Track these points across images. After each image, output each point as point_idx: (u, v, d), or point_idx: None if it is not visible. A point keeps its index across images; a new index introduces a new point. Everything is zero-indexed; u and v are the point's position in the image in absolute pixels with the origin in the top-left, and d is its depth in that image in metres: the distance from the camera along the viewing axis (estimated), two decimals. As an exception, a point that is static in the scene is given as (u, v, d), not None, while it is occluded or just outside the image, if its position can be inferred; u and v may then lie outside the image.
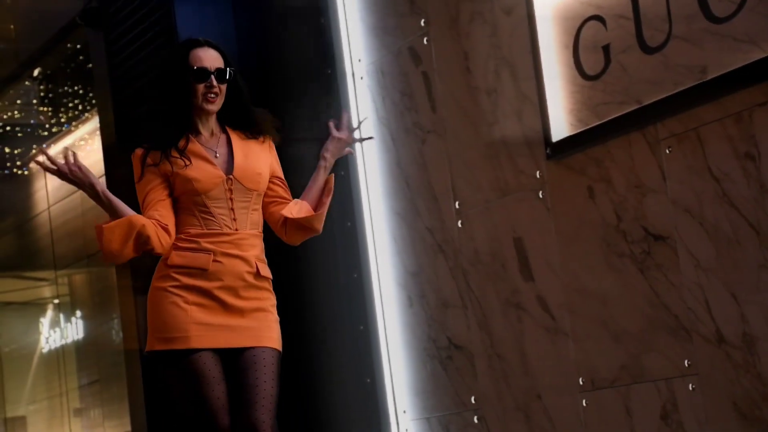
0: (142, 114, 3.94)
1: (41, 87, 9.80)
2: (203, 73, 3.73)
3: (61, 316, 10.90)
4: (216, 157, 3.78)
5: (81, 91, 9.32)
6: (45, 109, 10.03)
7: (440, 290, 5.36)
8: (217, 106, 3.77)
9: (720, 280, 4.16)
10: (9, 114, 10.49)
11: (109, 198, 3.70)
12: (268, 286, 3.81)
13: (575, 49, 4.63)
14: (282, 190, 3.89)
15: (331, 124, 3.94)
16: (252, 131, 3.87)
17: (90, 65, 8.40)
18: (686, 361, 4.28)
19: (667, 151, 4.31)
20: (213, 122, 3.83)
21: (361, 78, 5.76)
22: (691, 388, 4.27)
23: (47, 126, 10.14)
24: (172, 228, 3.73)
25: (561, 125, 4.70)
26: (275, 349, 3.73)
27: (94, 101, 8.83)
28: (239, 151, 3.81)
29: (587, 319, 4.67)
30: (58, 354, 10.96)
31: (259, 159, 3.84)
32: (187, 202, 3.73)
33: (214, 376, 3.64)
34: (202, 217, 3.72)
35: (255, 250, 3.77)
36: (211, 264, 3.68)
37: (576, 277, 4.70)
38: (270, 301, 3.80)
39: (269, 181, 3.86)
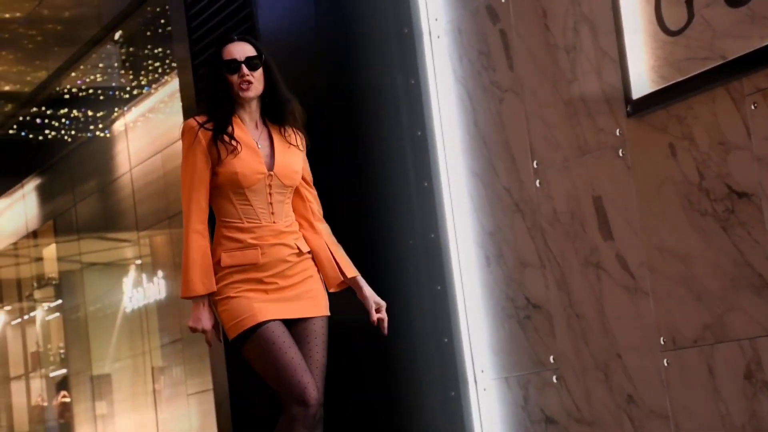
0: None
1: (122, 50, 9.88)
2: (234, 64, 3.98)
3: (143, 276, 11.00)
4: (260, 148, 4.02)
5: (161, 54, 9.36)
6: (126, 72, 10.10)
7: (518, 250, 5.32)
8: (253, 93, 4.00)
9: None
10: (92, 77, 10.60)
11: (206, 292, 3.98)
12: (309, 256, 4.09)
13: (657, 4, 4.56)
14: (308, 193, 4.19)
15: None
16: (287, 125, 4.10)
17: (170, 28, 8.42)
18: None
19: (753, 107, 4.22)
20: (256, 114, 4.08)
21: (438, 37, 5.73)
22: None
23: (128, 89, 10.22)
24: (206, 225, 3.99)
25: (642, 82, 4.65)
26: (325, 316, 4.06)
27: (173, 64, 8.85)
28: (279, 148, 4.05)
29: (668, 278, 4.62)
30: (141, 313, 11.07)
31: (296, 156, 4.09)
32: (227, 192, 3.97)
33: (284, 341, 3.89)
34: (241, 207, 3.98)
35: (293, 234, 4.05)
36: (260, 257, 3.95)
37: (657, 235, 4.65)
38: (313, 268, 4.10)
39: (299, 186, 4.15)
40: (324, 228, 4.18)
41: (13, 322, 15.17)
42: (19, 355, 14.95)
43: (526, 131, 5.23)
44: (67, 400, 13.02)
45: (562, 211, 5.09)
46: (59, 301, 13.42)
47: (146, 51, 9.72)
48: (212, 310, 4.01)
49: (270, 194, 4.00)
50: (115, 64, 10.36)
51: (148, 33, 9.43)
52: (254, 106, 4.06)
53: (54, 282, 13.62)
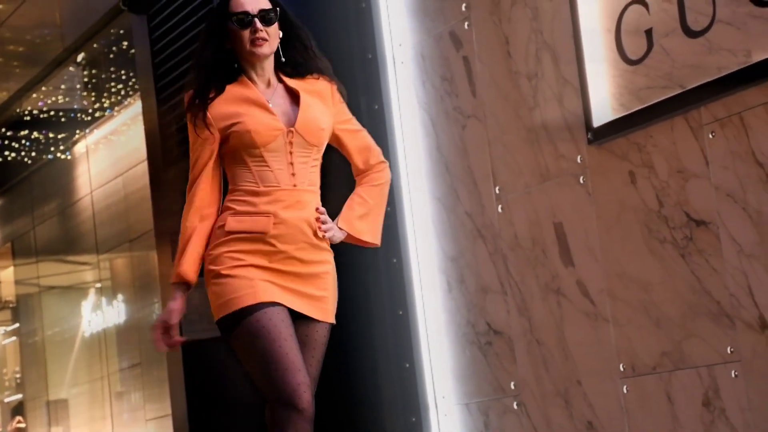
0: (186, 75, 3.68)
1: (85, 72, 9.85)
2: (246, 17, 3.47)
3: (103, 300, 10.95)
4: (273, 107, 3.50)
5: (124, 77, 9.35)
6: (88, 94, 10.08)
7: (480, 275, 5.35)
8: (268, 50, 3.50)
9: (763, 266, 4.12)
10: (53, 99, 10.55)
11: (179, 284, 3.53)
12: (327, 245, 3.55)
13: (617, 33, 4.61)
14: (354, 141, 3.66)
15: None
16: (311, 78, 3.60)
17: (133, 50, 8.42)
18: (729, 348, 4.25)
19: (710, 136, 4.27)
20: (269, 71, 3.56)
21: (402, 63, 5.76)
22: (733, 375, 4.24)
23: (90, 111, 10.20)
24: (213, 209, 3.49)
25: (603, 110, 4.68)
26: (330, 323, 3.55)
27: (136, 86, 8.85)
28: (302, 103, 3.51)
29: (628, 305, 4.65)
30: (100, 338, 11.01)
31: (323, 113, 3.56)
32: (242, 155, 3.45)
33: (282, 331, 3.33)
34: (257, 171, 3.44)
35: (312, 207, 3.50)
36: (272, 227, 3.40)
37: (617, 262, 4.68)
38: (330, 262, 3.55)
39: (337, 130, 3.62)
40: (370, 175, 3.63)
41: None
42: (-25, 380, 14.83)
43: (489, 157, 5.27)
44: (22, 425, 12.91)
45: (523, 237, 5.12)
46: (16, 325, 13.32)
47: (109, 73, 9.70)
48: (183, 305, 3.51)
49: (291, 153, 3.44)
50: (78, 86, 10.31)
51: (111, 55, 9.42)
52: (267, 63, 3.54)
53: (11, 305, 13.51)
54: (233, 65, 3.53)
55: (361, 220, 3.57)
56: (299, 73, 3.58)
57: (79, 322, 11.53)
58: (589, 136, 4.73)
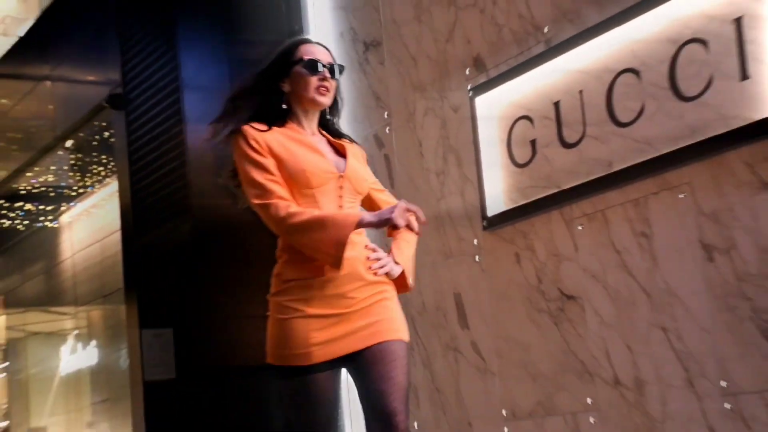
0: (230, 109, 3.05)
1: (71, 156, 9.76)
2: (315, 65, 2.97)
3: (79, 344, 10.82)
4: (324, 153, 2.98)
5: (104, 160, 9.29)
6: (74, 174, 9.98)
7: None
8: (328, 101, 3.00)
9: (618, 334, 4.17)
10: (44, 177, 10.46)
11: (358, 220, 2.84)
12: (383, 278, 2.96)
13: (509, 142, 4.65)
14: (383, 196, 3.17)
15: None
16: (345, 140, 3.12)
17: (113, 139, 8.39)
18: (589, 399, 4.28)
19: (580, 228, 4.32)
20: (315, 122, 3.05)
21: (335, 158, 5.74)
22: (592, 421, 4.26)
23: (75, 188, 10.10)
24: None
25: (495, 203, 4.71)
26: (402, 340, 2.89)
27: (114, 169, 8.81)
28: (348, 155, 3.04)
29: (511, 362, 4.66)
30: (76, 376, 10.86)
31: (363, 165, 3.11)
32: (295, 196, 2.88)
33: (325, 398, 2.86)
34: None
35: (362, 248, 2.94)
36: (327, 271, 2.83)
37: (504, 327, 4.69)
38: (389, 291, 2.96)
39: (370, 190, 3.11)
40: (399, 233, 3.04)
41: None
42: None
43: (403, 238, 5.25)
44: (7, 447, 12.65)
45: (429, 304, 5.12)
46: (6, 363, 13.07)
47: (91, 157, 9.62)
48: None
49: (341, 197, 2.92)
50: (65, 167, 10.19)
51: (94, 143, 9.34)
52: (314, 114, 3.04)
53: (2, 347, 13.25)
54: (282, 107, 3.01)
55: (409, 260, 3.04)
56: (335, 134, 3.11)
57: (58, 362, 11.35)
58: (484, 224, 4.76)
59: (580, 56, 4.28)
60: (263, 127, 2.92)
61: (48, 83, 9.66)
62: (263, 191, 2.84)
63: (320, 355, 2.80)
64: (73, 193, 10.23)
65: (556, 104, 4.39)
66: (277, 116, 2.97)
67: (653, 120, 3.99)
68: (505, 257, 4.68)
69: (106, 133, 8.73)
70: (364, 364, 2.85)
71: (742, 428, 3.70)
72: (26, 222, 11.41)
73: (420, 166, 5.20)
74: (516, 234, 4.62)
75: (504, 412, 4.68)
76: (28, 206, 11.25)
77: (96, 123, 8.76)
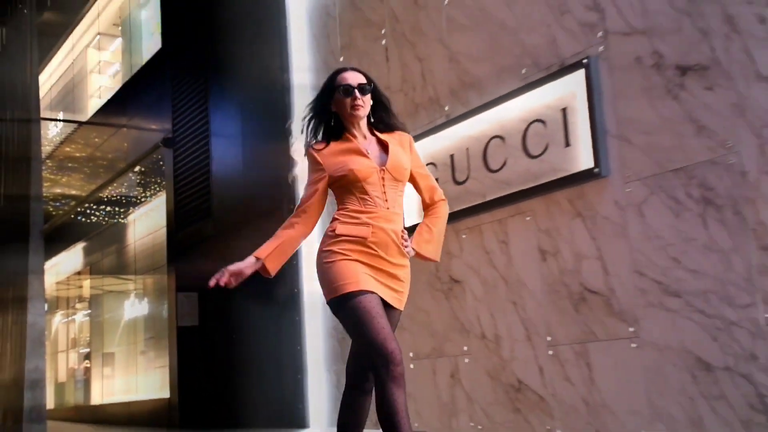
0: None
1: (137, 177, 9.72)
2: (348, 89, 2.68)
3: (137, 300, 10.74)
4: (369, 153, 2.67)
5: (157, 181, 9.24)
6: (138, 188, 9.96)
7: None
8: (363, 113, 2.68)
9: (485, 306, 4.11)
10: (119, 190, 10.42)
11: (261, 256, 2.54)
12: (406, 255, 2.63)
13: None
14: (422, 183, 2.73)
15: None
16: (396, 132, 2.72)
17: (164, 167, 8.32)
18: (465, 347, 4.21)
19: (464, 236, 4.26)
20: (364, 128, 2.72)
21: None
22: (466, 361, 4.19)
23: (138, 198, 10.08)
24: (308, 226, 2.61)
25: (409, 221, 4.53)
26: (401, 310, 2.60)
27: (163, 186, 8.76)
28: (390, 150, 2.68)
29: (417, 323, 4.52)
30: (134, 321, 10.78)
31: (405, 157, 2.70)
32: (350, 187, 2.60)
33: (378, 312, 2.46)
34: (360, 197, 2.59)
35: (400, 224, 2.60)
36: (371, 234, 2.55)
37: (413, 299, 4.47)
38: (408, 266, 2.63)
39: (413, 172, 2.70)
40: (434, 208, 2.70)
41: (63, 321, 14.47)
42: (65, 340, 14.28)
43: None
44: (89, 365, 12.46)
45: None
46: (90, 311, 12.90)
47: (150, 178, 9.55)
48: (249, 270, 2.50)
49: (383, 185, 2.60)
50: (133, 184, 10.17)
51: (153, 169, 9.26)
52: (362, 122, 2.71)
53: (88, 300, 13.05)
54: (333, 123, 2.73)
55: (427, 243, 2.70)
56: (388, 129, 2.75)
57: (123, 311, 11.23)
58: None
59: (467, 126, 4.25)
60: (321, 146, 2.67)
61: (124, 129, 9.65)
62: (299, 203, 2.66)
63: (366, 285, 2.48)
64: (137, 201, 10.13)
65: (452, 156, 4.35)
66: (332, 132, 2.71)
67: (512, 169, 3.98)
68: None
69: (161, 163, 8.69)
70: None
71: (559, 367, 3.69)
72: (106, 219, 11.29)
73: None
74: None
75: (411, 354, 4.58)
76: (108, 208, 11.14)
77: (154, 156, 8.72)
